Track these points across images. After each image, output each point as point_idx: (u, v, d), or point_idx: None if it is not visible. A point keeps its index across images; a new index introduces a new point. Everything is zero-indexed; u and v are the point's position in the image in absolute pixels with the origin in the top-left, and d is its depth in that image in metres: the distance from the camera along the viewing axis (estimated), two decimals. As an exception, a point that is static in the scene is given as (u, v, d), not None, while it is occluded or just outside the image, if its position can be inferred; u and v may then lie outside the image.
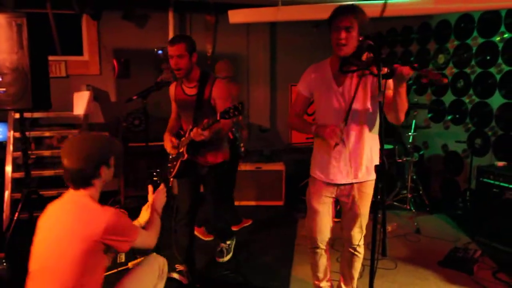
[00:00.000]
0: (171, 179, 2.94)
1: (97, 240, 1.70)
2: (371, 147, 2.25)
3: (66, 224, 1.74)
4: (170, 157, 2.94)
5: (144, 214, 2.18)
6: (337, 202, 2.48)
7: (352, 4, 2.12)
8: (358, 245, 2.41)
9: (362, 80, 2.16)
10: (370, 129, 2.24)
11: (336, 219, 2.59)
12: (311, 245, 2.53)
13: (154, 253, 2.22)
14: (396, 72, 1.85)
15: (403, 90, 1.96)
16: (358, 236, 2.38)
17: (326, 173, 2.31)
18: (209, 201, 3.07)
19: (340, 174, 2.28)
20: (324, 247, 2.51)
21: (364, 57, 2.02)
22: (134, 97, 2.85)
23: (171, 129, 2.99)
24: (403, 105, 2.03)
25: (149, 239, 1.97)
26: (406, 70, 1.82)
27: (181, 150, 2.82)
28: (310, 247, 2.55)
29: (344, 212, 2.42)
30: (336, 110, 2.23)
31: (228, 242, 3.45)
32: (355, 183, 2.28)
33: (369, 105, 2.19)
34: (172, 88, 2.95)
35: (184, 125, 2.94)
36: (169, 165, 2.96)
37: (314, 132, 2.25)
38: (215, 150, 2.89)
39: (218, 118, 2.45)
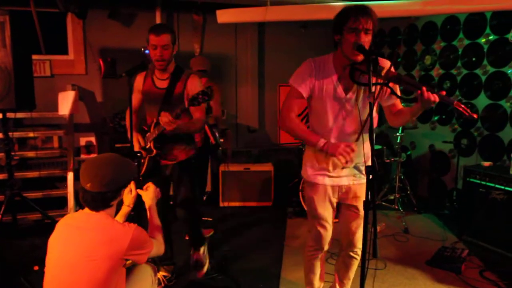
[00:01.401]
0: (140, 178, 2.71)
1: (121, 257, 1.74)
2: (368, 148, 2.20)
3: (87, 244, 1.73)
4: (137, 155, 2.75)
5: (127, 197, 2.16)
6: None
7: (366, 5, 1.95)
8: (359, 248, 2.36)
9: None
10: (367, 131, 2.15)
11: (335, 220, 2.55)
12: (313, 248, 2.41)
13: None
14: (423, 98, 1.81)
15: (422, 111, 1.96)
16: (360, 238, 2.34)
17: (329, 177, 2.22)
18: (181, 201, 2.85)
19: (343, 176, 2.21)
20: (324, 253, 2.47)
21: (383, 72, 1.92)
22: (123, 74, 2.62)
23: (136, 126, 2.82)
24: (411, 119, 2.07)
25: (161, 246, 2.05)
26: (434, 98, 1.79)
27: (148, 146, 2.70)
28: (312, 251, 2.43)
29: (346, 217, 2.34)
30: (341, 119, 2.12)
31: (202, 249, 3.13)
32: (357, 184, 2.24)
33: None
34: (139, 79, 2.81)
35: (149, 119, 2.80)
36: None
37: (321, 148, 2.08)
38: (183, 147, 2.79)
39: (186, 106, 2.34)
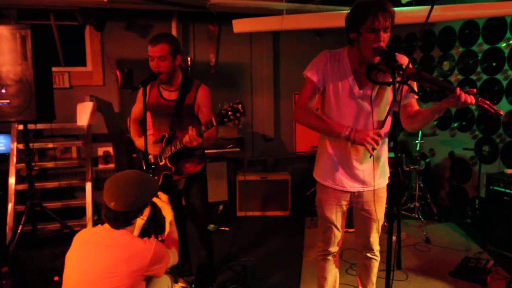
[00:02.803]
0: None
1: (142, 273, 1.75)
2: (385, 153, 2.19)
3: (107, 261, 1.72)
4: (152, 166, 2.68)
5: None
6: (348, 210, 2.37)
7: (383, 1, 1.84)
8: (377, 249, 2.34)
9: (385, 89, 2.03)
10: (385, 136, 2.11)
11: (349, 230, 2.50)
12: (322, 253, 2.39)
13: None
14: (459, 99, 1.74)
15: (445, 110, 1.91)
16: (376, 240, 2.31)
17: (341, 182, 2.17)
18: (192, 213, 2.75)
19: (357, 183, 2.16)
20: (335, 256, 2.40)
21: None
22: (139, 85, 2.53)
23: (140, 133, 2.74)
24: (433, 120, 2.00)
25: (175, 256, 2.05)
26: (470, 100, 1.75)
27: (162, 163, 2.61)
28: (321, 255, 2.40)
29: (360, 220, 2.30)
30: (356, 116, 2.04)
31: None
32: (369, 190, 2.18)
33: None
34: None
35: (156, 132, 2.68)
36: None
37: (347, 137, 1.93)
38: (197, 160, 2.71)
39: (214, 123, 2.23)
